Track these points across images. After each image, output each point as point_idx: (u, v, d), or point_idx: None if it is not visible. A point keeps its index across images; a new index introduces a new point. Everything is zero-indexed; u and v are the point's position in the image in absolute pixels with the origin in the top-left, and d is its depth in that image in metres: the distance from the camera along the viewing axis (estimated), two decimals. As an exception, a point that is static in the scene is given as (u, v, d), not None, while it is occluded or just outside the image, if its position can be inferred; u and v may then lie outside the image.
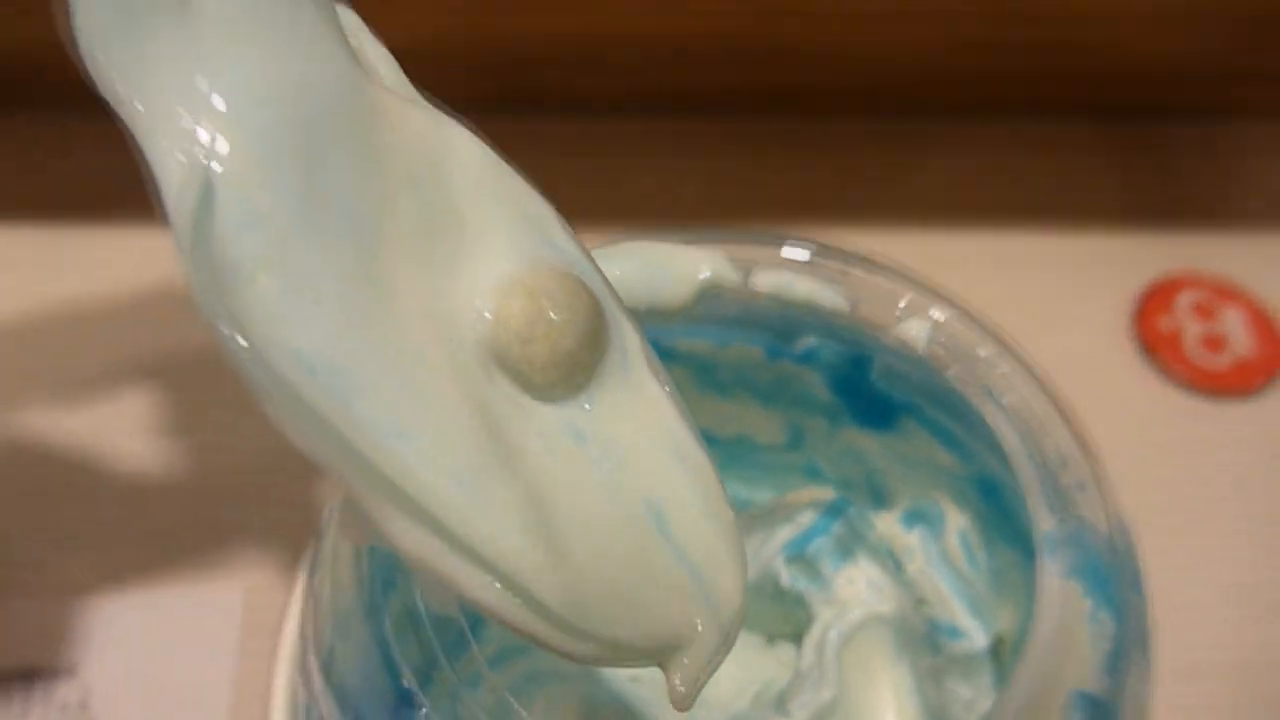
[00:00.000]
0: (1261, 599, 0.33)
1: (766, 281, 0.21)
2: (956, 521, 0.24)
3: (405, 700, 0.17)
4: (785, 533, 0.24)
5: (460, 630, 0.23)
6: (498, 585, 0.15)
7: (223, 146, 0.14)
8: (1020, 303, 0.38)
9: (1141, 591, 0.18)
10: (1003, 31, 0.41)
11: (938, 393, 0.22)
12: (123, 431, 0.34)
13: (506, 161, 0.16)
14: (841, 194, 0.41)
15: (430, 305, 0.15)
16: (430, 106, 0.16)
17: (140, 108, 0.14)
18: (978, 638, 0.23)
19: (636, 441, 0.16)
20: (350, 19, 0.16)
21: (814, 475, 0.26)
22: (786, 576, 0.24)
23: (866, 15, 0.40)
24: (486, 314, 0.16)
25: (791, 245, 0.21)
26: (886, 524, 0.25)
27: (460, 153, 0.16)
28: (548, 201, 0.17)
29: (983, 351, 0.20)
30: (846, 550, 0.24)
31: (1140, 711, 0.16)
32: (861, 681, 0.23)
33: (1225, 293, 0.39)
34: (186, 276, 0.14)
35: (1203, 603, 0.32)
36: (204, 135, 0.14)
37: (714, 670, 0.16)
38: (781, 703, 0.23)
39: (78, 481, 0.33)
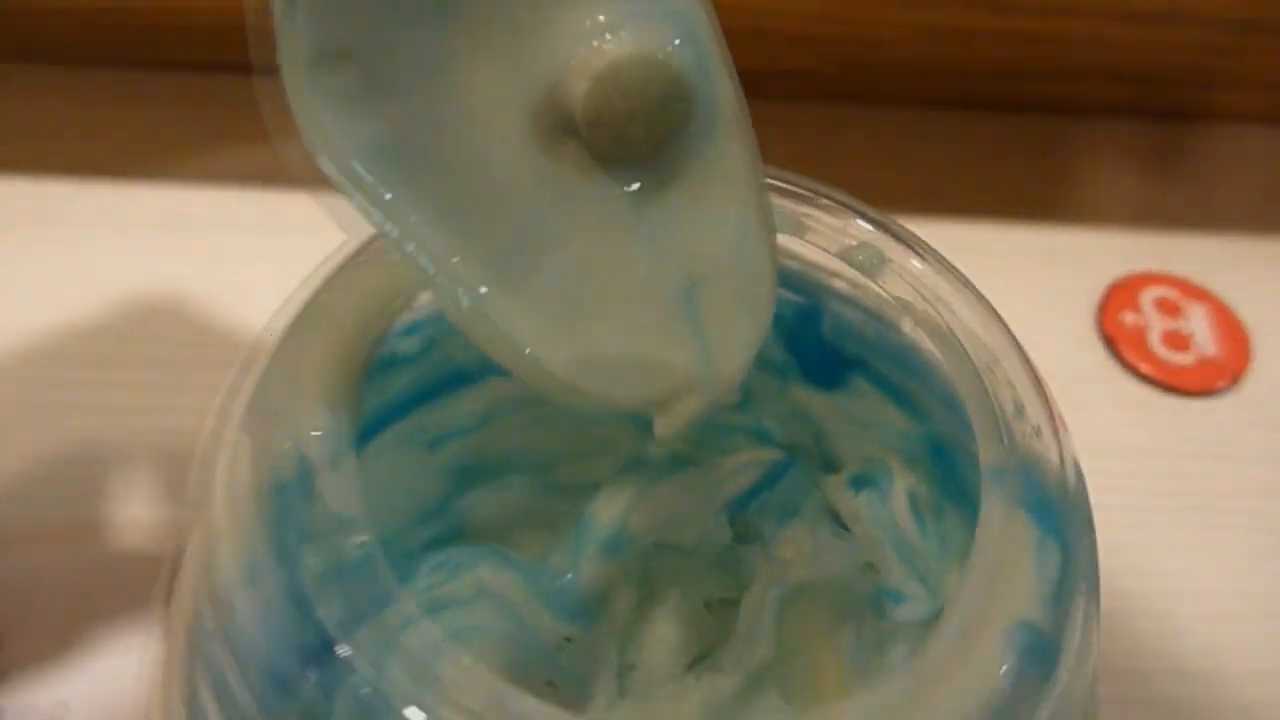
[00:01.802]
0: (1221, 600, 0.32)
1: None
2: (905, 483, 0.23)
3: (323, 649, 0.16)
4: (728, 492, 0.23)
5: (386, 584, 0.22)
6: (505, 347, 0.16)
7: None
8: (984, 291, 0.38)
9: (1092, 532, 0.16)
10: (978, 19, 0.40)
11: (889, 345, 0.21)
12: None
13: None
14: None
15: (509, 75, 0.15)
16: None
17: None
18: (923, 604, 0.22)
19: (699, 215, 0.16)
20: None
21: (761, 437, 0.25)
22: (728, 536, 0.23)
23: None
24: (561, 91, 0.15)
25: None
26: (833, 487, 0.24)
27: None
28: None
29: (939, 289, 0.19)
30: (790, 511, 0.23)
31: (1085, 648, 0.15)
32: (801, 644, 0.22)
33: (1190, 291, 0.38)
34: (282, 72, 0.14)
35: (1150, 603, 0.32)
36: None
37: (692, 424, 0.17)
38: (716, 661, 0.21)
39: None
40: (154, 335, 0.34)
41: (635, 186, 0.16)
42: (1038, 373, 0.19)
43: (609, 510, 0.23)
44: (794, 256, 0.21)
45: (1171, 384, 0.36)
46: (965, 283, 0.20)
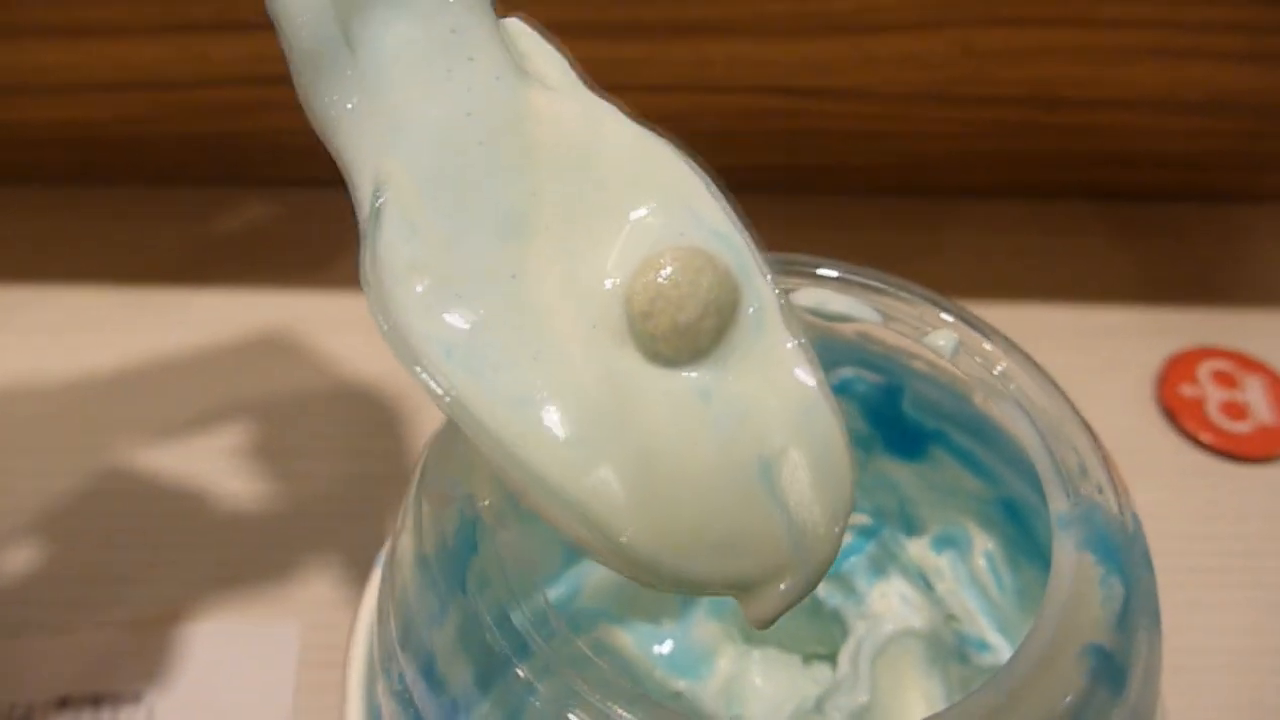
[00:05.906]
0: (1272, 661, 0.33)
1: (804, 299, 0.23)
2: (983, 544, 0.26)
3: (499, 669, 0.18)
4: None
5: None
6: (584, 527, 0.17)
7: (391, 179, 0.17)
8: (1051, 369, 0.40)
9: (1150, 569, 0.19)
10: (1029, 114, 0.43)
11: (964, 416, 0.24)
12: (199, 475, 0.36)
13: (657, 135, 0.18)
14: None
15: (571, 285, 0.17)
16: (588, 95, 0.18)
17: (342, 156, 0.18)
18: (1003, 651, 0.25)
19: (763, 398, 0.17)
20: (515, 26, 0.19)
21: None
22: (823, 592, 0.26)
23: (897, 96, 0.42)
24: (618, 293, 0.18)
25: (825, 266, 0.23)
26: (917, 548, 0.27)
27: (610, 138, 0.18)
28: (696, 171, 0.18)
29: (1002, 366, 0.22)
30: (879, 569, 0.26)
31: (1150, 669, 0.18)
32: (894, 689, 0.24)
33: (1246, 364, 0.40)
34: (363, 282, 0.17)
35: (1214, 660, 0.33)
36: (378, 173, 0.17)
37: (790, 609, 0.17)
38: (819, 706, 0.24)
39: (145, 526, 0.35)
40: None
41: (697, 376, 0.17)
42: (1097, 437, 0.21)
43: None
44: (877, 341, 0.24)
45: (1231, 451, 0.38)
46: (1029, 360, 0.22)
